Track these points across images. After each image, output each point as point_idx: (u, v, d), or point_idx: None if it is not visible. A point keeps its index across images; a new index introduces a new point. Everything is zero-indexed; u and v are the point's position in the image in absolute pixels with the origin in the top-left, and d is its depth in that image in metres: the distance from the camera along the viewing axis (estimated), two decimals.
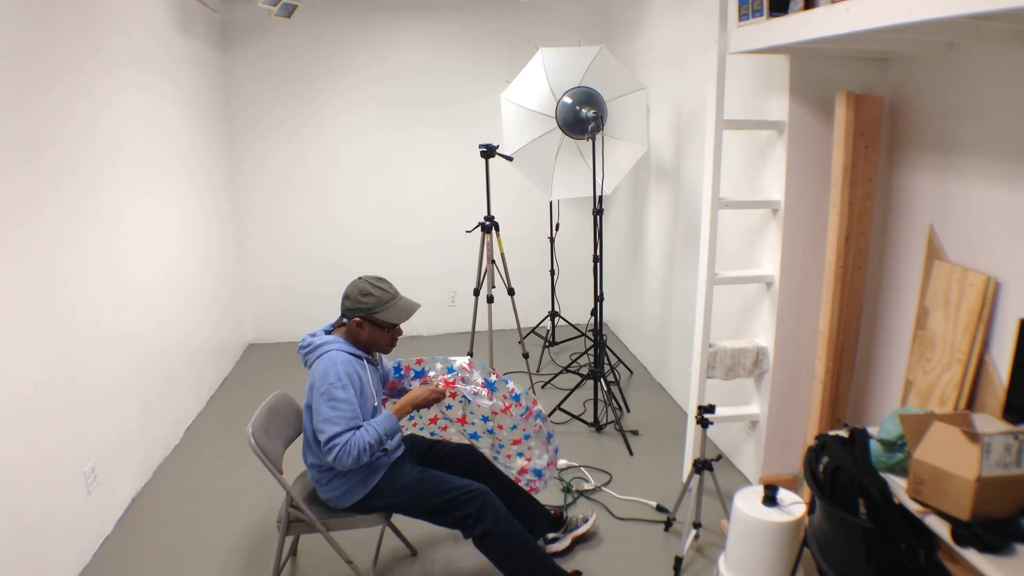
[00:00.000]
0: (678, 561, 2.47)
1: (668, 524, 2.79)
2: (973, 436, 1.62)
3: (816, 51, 2.42)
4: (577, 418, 3.77)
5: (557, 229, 4.76)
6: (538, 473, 2.60)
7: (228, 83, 4.79)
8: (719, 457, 3.32)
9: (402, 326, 2.30)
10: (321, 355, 2.16)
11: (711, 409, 2.46)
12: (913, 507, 1.71)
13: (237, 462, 3.35)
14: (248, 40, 4.76)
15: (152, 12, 3.54)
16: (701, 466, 2.53)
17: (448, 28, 4.94)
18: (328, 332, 2.30)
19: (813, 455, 1.90)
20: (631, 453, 3.41)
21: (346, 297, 2.23)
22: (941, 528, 1.63)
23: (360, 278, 2.26)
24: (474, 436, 2.64)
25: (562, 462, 3.29)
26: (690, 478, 2.57)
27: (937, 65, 2.30)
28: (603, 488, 3.09)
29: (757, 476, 3.00)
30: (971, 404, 2.10)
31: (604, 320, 5.11)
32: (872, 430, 1.96)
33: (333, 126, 4.99)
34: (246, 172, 4.95)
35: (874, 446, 1.87)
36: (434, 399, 2.30)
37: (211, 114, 4.47)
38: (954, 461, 1.62)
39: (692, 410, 2.91)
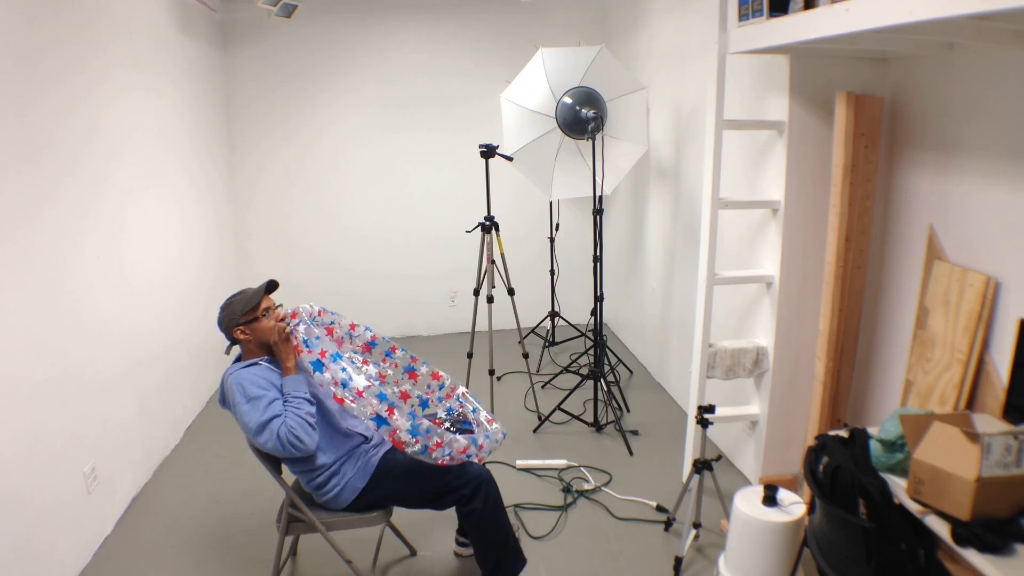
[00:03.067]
0: (678, 561, 2.47)
1: (668, 524, 2.79)
2: (973, 436, 1.62)
3: (816, 51, 2.42)
4: (577, 418, 3.77)
5: (557, 229, 4.75)
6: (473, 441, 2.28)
7: (228, 83, 4.79)
8: (719, 457, 3.32)
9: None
10: (224, 389, 2.21)
11: (711, 409, 2.46)
12: (913, 507, 1.71)
13: (237, 462, 3.35)
14: (248, 40, 4.76)
15: (152, 13, 3.54)
16: (701, 466, 2.53)
17: (448, 28, 4.94)
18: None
19: (813, 455, 1.90)
20: (631, 453, 3.41)
21: (219, 323, 2.29)
22: (941, 528, 1.63)
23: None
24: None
25: (562, 462, 3.29)
26: (690, 478, 2.57)
27: (937, 65, 2.30)
28: (603, 488, 3.09)
29: (757, 476, 3.00)
30: (971, 404, 2.10)
31: (604, 320, 5.11)
32: (872, 430, 1.96)
33: (333, 126, 4.99)
34: (246, 172, 4.95)
35: (874, 446, 1.87)
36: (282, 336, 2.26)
37: (211, 114, 4.47)
38: (954, 461, 1.62)
39: (692, 410, 2.91)
